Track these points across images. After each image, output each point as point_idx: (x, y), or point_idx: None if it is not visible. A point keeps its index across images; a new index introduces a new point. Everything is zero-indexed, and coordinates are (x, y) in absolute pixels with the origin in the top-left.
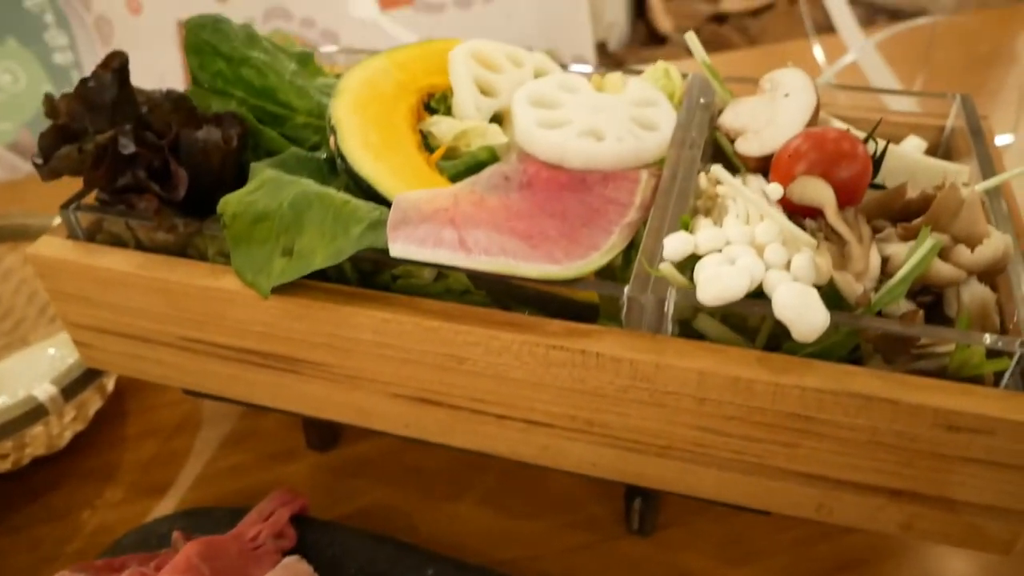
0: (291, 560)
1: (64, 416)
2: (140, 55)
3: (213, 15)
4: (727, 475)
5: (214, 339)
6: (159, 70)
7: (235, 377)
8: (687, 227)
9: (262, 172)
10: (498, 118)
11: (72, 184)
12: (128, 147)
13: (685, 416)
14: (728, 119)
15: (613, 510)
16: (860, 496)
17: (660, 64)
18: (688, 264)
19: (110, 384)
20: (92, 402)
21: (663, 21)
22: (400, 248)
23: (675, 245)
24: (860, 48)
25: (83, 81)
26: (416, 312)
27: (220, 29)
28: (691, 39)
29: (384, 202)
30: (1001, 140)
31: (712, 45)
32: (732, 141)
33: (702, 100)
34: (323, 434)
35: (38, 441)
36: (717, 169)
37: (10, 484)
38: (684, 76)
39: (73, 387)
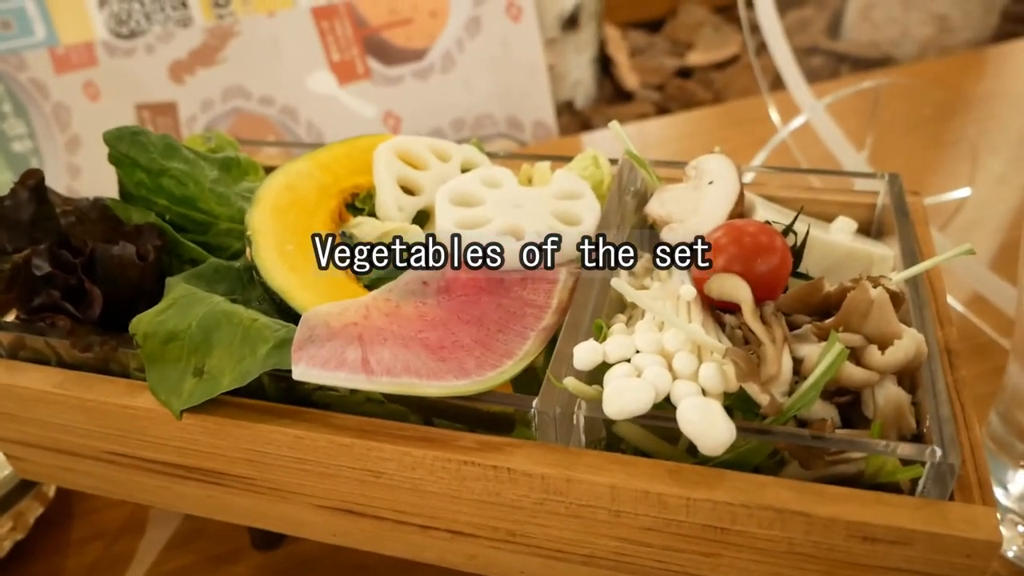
0: None
1: (1, 527)
2: (98, 139)
3: (131, 127)
4: None
5: (137, 453)
6: None
7: (163, 489)
8: (601, 331)
9: (176, 288)
10: (423, 216)
11: None
12: (42, 268)
13: (603, 527)
14: (654, 207)
15: None
16: None
17: (588, 152)
18: (602, 371)
19: (51, 490)
20: (31, 510)
21: (629, 78)
22: (302, 371)
23: (584, 355)
24: (811, 109)
25: (13, 192)
26: (329, 428)
27: (138, 141)
28: (615, 128)
29: (298, 315)
30: (958, 193)
31: (678, 101)
32: (651, 227)
33: (631, 188)
34: (268, 532)
35: None
36: (617, 282)
37: None
38: (613, 162)
39: (8, 498)
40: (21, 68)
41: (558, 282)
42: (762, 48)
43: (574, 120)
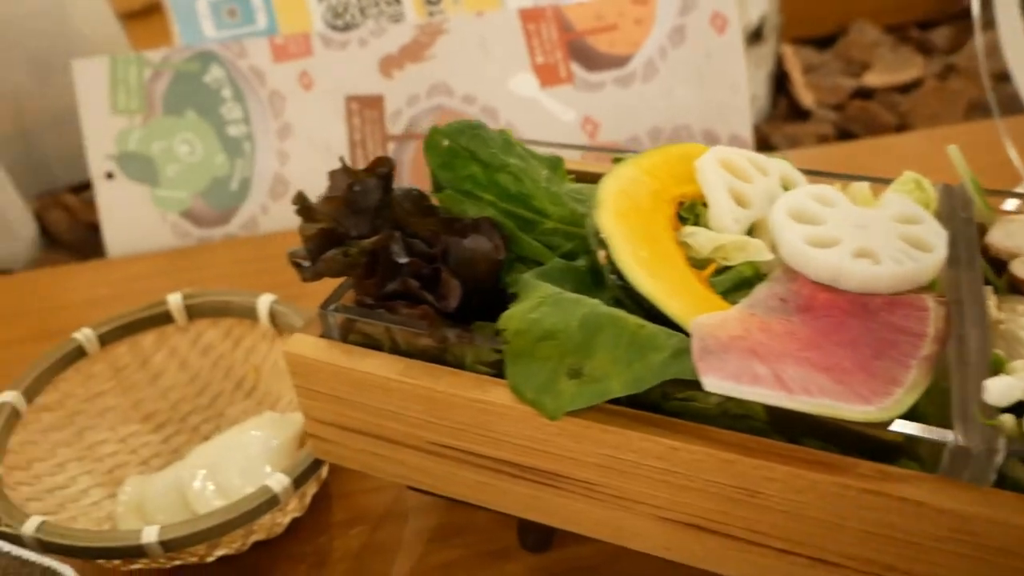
0: None
1: (289, 504)
2: (307, 127)
3: (471, 122)
4: None
5: (470, 448)
6: (325, 141)
7: (485, 485)
8: (1001, 366)
9: (536, 287)
10: (751, 230)
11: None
12: (401, 256)
13: (1014, 574)
14: (998, 238)
15: None
16: None
17: (908, 174)
18: (1012, 410)
19: (325, 471)
20: (311, 489)
21: (805, 95)
22: (714, 383)
23: (1001, 390)
24: None
25: (350, 186)
26: (709, 442)
27: (478, 135)
28: (954, 153)
29: (662, 321)
30: None
31: (859, 123)
32: (1004, 262)
33: (963, 215)
34: (538, 535)
35: (263, 528)
36: None
37: (229, 567)
38: (935, 187)
39: (302, 477)
40: (242, 55)
41: (930, 310)
42: (948, 71)
43: (753, 137)
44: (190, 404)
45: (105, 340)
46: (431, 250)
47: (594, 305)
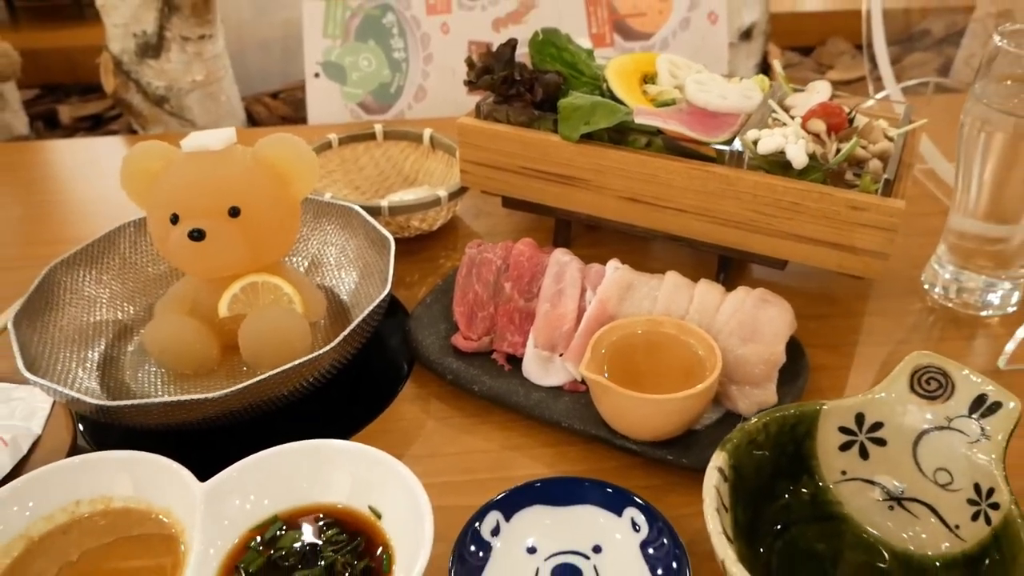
0: (559, 250)
1: (443, 210)
2: (443, 57)
3: (555, 29)
4: (769, 240)
5: (537, 167)
6: (452, 67)
7: (542, 189)
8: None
9: (576, 95)
10: (677, 89)
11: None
12: (518, 77)
13: (748, 205)
14: (789, 100)
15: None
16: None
17: (759, 76)
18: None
19: (454, 208)
20: (453, 207)
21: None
22: (639, 118)
23: (752, 134)
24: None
25: (500, 49)
26: (640, 153)
27: (557, 34)
28: (776, 65)
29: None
30: None
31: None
32: (786, 110)
33: (778, 93)
34: (563, 239)
35: (428, 221)
36: (781, 114)
37: (404, 245)
38: (770, 83)
39: (452, 195)
40: (408, 8)
41: (741, 116)
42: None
43: None
44: (377, 184)
45: (341, 143)
46: (531, 77)
47: (600, 101)
